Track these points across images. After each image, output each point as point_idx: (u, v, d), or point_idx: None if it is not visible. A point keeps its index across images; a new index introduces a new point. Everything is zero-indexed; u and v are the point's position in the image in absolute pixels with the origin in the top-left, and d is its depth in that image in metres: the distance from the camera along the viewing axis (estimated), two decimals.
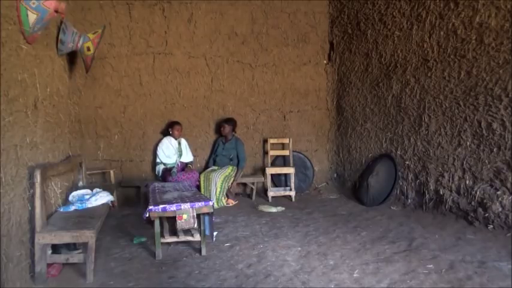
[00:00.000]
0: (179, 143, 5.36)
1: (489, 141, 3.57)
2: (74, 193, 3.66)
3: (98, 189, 3.84)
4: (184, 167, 5.36)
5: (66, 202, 3.57)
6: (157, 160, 5.33)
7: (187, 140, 5.51)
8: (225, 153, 5.43)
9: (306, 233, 3.77)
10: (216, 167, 5.39)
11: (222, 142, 5.54)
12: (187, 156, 5.44)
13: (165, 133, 5.44)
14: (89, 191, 3.80)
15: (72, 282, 2.79)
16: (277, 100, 5.94)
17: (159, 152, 5.30)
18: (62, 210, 3.30)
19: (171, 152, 5.28)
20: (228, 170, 5.26)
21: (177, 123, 5.37)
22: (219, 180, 5.08)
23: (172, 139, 5.32)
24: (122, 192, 5.28)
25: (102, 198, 3.62)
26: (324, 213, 4.58)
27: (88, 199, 3.53)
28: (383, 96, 5.00)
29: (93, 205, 3.48)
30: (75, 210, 3.34)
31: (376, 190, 4.86)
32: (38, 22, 2.80)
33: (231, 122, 5.50)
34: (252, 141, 5.89)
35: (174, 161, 5.24)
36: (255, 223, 4.20)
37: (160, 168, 5.30)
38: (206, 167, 5.61)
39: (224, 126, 5.44)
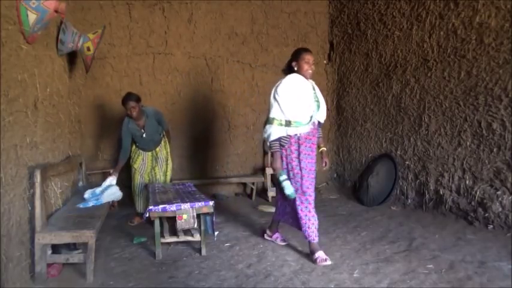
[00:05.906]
0: (313, 88, 3.11)
1: (489, 141, 3.57)
2: (88, 191, 3.71)
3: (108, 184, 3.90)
4: (315, 134, 3.17)
5: (66, 202, 3.59)
6: (272, 115, 3.03)
7: None
8: (148, 137, 4.11)
9: None
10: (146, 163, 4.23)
11: (136, 128, 4.04)
12: (322, 112, 3.17)
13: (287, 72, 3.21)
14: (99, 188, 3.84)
15: (72, 282, 2.79)
16: None
17: (283, 96, 2.98)
18: (81, 206, 3.40)
19: (308, 96, 3.01)
20: (164, 151, 4.31)
21: (306, 50, 3.09)
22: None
23: (303, 78, 3.04)
24: (122, 192, 5.26)
25: (114, 193, 3.77)
26: (324, 213, 4.57)
27: (101, 194, 3.62)
28: (383, 96, 5.00)
29: (107, 200, 3.61)
30: (78, 209, 3.37)
31: (376, 190, 4.86)
32: (38, 22, 2.80)
33: (135, 97, 3.93)
34: (252, 141, 5.89)
35: (309, 119, 3.02)
36: (255, 223, 4.20)
37: (276, 131, 3.00)
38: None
39: (133, 107, 3.87)
